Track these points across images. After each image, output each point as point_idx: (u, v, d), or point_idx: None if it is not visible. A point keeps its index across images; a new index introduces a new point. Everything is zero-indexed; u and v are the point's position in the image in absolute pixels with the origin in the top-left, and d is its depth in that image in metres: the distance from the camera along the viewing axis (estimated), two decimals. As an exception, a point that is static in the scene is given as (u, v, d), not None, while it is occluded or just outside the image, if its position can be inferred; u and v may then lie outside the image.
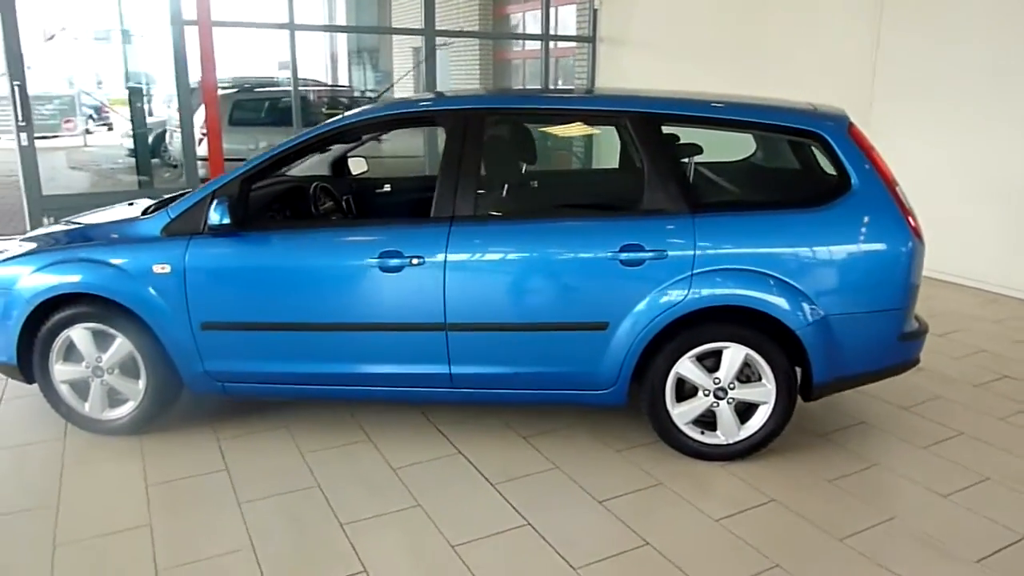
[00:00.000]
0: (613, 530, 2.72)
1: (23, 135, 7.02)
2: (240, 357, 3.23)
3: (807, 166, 3.43)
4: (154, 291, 3.14)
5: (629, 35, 9.32)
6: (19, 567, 2.51)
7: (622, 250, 2.99)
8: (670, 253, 2.99)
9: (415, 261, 3.03)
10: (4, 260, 3.37)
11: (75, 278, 3.18)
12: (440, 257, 3.03)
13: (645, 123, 3.10)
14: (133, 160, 9.01)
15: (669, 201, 3.05)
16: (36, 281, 3.21)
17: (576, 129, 4.51)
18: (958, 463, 3.23)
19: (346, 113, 3.24)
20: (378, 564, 2.52)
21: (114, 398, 3.35)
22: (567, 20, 10.93)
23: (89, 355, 3.27)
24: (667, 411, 3.16)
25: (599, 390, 3.16)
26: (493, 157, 3.24)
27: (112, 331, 3.23)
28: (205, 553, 2.56)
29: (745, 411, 3.16)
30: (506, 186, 3.33)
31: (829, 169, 3.16)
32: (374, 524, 2.75)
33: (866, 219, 3.03)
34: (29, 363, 3.31)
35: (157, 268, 3.14)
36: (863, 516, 2.83)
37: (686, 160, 3.32)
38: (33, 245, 3.42)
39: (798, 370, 3.12)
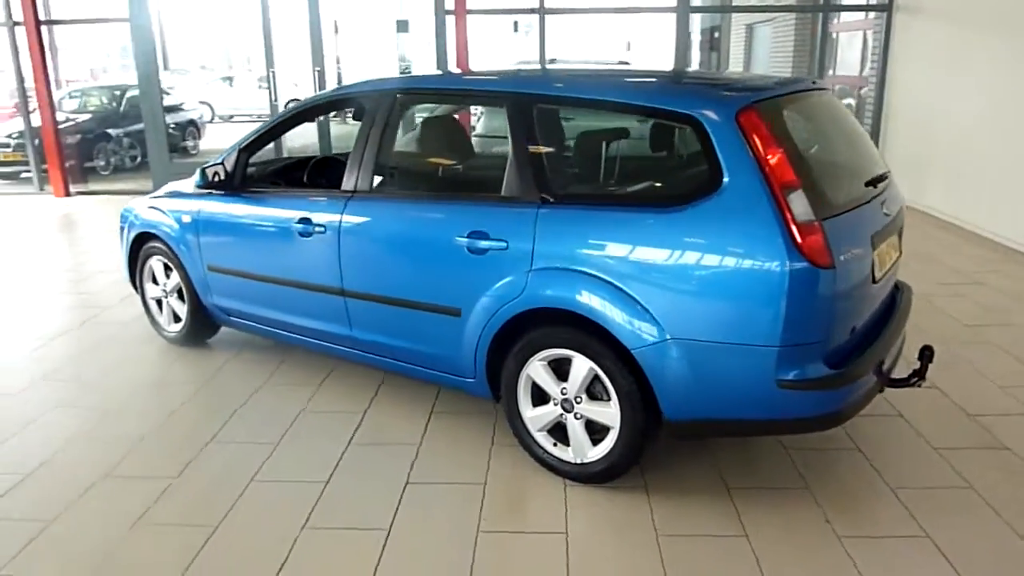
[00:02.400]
0: (379, 509, 2.74)
1: (319, 112, 8.76)
2: (229, 296, 3.91)
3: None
4: (186, 235, 3.99)
5: (928, 2, 7.67)
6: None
7: (470, 236, 2.89)
8: (511, 245, 2.79)
9: (318, 229, 3.34)
10: (144, 200, 4.50)
11: (149, 218, 4.19)
12: (337, 228, 3.28)
13: (515, 104, 2.89)
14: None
15: (522, 189, 2.83)
16: (137, 218, 4.31)
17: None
18: (853, 563, 2.40)
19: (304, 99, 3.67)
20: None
21: (177, 316, 4.33)
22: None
23: (161, 280, 4.29)
24: (519, 413, 2.97)
25: (465, 377, 3.11)
26: (391, 137, 3.32)
27: (170, 264, 4.18)
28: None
29: (602, 432, 2.81)
30: (400, 165, 3.38)
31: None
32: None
33: (729, 227, 2.42)
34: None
35: (185, 217, 3.98)
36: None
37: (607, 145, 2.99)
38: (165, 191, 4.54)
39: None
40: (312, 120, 3.73)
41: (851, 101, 9.91)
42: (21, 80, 9.24)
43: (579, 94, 2.89)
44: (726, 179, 2.43)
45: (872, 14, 8.85)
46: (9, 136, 10.33)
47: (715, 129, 2.47)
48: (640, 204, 2.69)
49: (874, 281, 2.68)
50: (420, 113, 3.51)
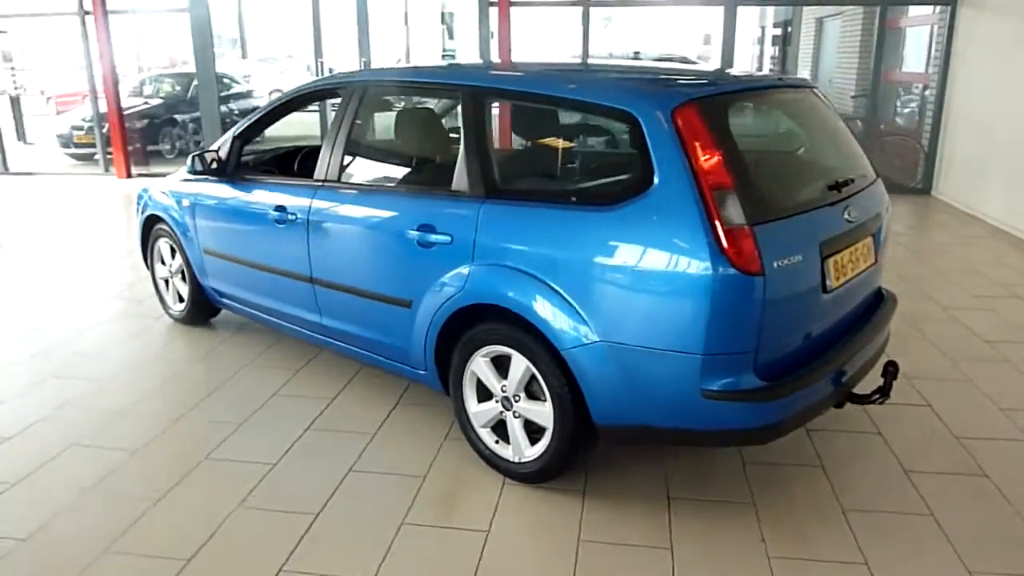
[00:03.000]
0: (315, 494, 2.79)
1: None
2: (221, 279, 4.04)
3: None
4: (185, 218, 4.13)
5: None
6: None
7: (419, 229, 2.89)
8: (456, 239, 2.78)
9: (291, 217, 3.40)
10: (158, 182, 4.69)
11: (158, 201, 4.35)
12: (306, 216, 3.34)
13: (464, 96, 2.87)
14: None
15: (469, 183, 2.80)
16: (150, 200, 4.49)
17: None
18: (774, 587, 2.29)
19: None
20: (152, 451, 3.11)
21: (181, 297, 4.49)
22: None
23: (168, 261, 4.47)
24: (464, 408, 2.96)
25: (418, 369, 3.11)
26: (359, 127, 3.34)
27: (175, 245, 4.35)
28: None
29: (540, 432, 2.77)
30: (361, 156, 3.39)
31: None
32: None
33: (656, 228, 2.34)
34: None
35: (185, 201, 4.12)
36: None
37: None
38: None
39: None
40: (297, 110, 3.79)
41: (914, 104, 9.39)
42: (91, 67, 9.74)
43: (525, 88, 2.85)
44: (657, 178, 2.35)
45: (938, 8, 8.34)
46: (83, 120, 10.94)
47: (649, 126, 2.39)
48: (576, 202, 2.63)
49: (825, 290, 2.54)
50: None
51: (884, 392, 2.75)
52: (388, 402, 3.52)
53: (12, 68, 13.43)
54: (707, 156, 2.31)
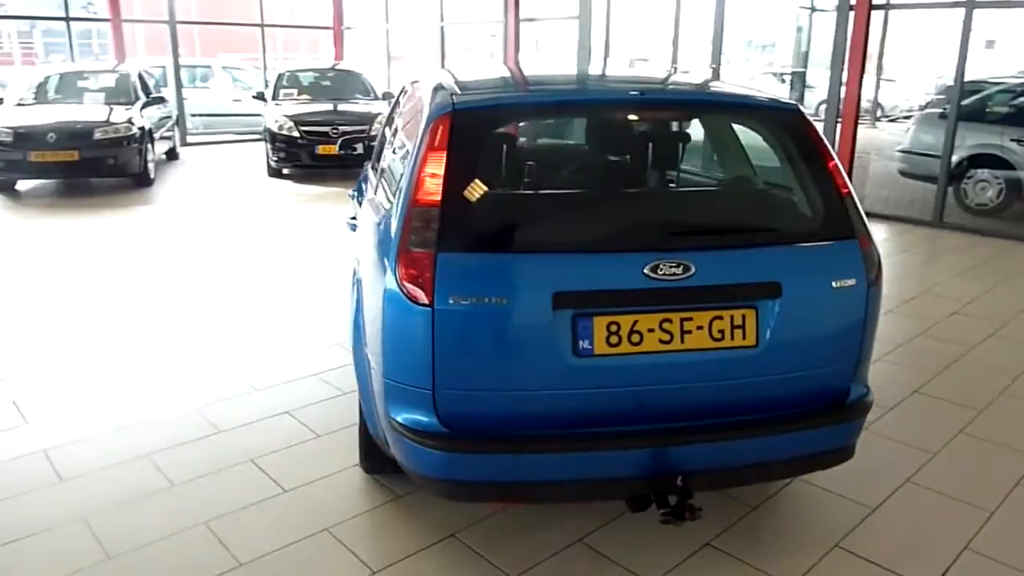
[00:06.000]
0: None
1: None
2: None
3: None
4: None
5: None
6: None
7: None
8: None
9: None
10: None
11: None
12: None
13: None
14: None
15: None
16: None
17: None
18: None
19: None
20: None
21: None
22: None
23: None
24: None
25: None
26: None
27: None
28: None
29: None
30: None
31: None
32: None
33: (383, 239, 2.34)
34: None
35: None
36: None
37: None
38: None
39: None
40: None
41: None
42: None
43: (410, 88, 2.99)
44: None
45: None
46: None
47: (423, 130, 2.29)
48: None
49: (578, 353, 2.08)
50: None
51: (673, 514, 2.12)
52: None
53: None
54: (429, 170, 2.16)
